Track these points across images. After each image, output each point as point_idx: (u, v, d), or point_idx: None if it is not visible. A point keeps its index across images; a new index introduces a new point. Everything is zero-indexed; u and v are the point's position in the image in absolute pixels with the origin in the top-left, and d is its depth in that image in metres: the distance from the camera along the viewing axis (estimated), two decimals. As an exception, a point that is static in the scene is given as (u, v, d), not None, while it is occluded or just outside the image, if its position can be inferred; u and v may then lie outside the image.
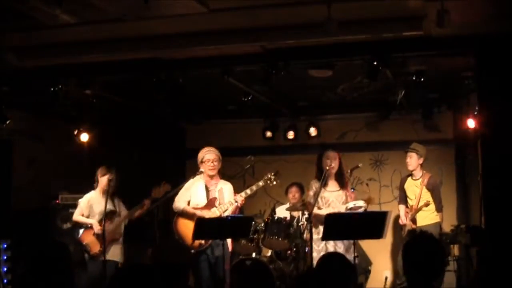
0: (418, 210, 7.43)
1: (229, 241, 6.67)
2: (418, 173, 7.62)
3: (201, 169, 6.73)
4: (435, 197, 7.54)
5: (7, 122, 7.12)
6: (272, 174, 6.98)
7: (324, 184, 6.70)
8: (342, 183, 6.89)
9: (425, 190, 7.49)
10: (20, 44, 6.11)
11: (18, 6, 5.00)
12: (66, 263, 3.21)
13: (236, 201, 6.63)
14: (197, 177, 6.81)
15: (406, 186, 7.72)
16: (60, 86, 6.73)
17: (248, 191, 6.76)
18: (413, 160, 7.59)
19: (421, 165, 7.62)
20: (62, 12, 5.13)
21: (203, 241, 6.52)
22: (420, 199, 7.45)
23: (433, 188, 7.55)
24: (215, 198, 6.71)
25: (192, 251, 6.55)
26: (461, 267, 7.58)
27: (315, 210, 6.62)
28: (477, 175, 6.30)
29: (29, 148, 8.16)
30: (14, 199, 7.65)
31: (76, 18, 5.34)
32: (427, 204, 7.40)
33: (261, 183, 6.87)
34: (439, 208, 7.55)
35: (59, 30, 5.66)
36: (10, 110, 7.25)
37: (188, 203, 6.77)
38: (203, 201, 6.72)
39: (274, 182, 6.99)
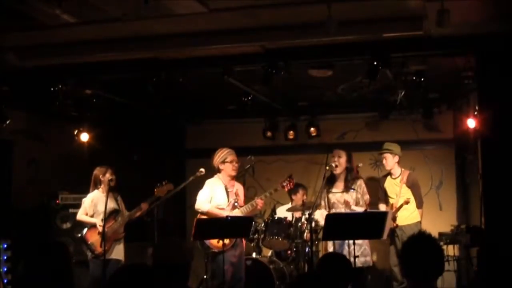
0: (399, 208, 7.43)
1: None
2: (396, 171, 7.61)
3: (202, 169, 6.77)
4: (415, 193, 7.53)
5: (7, 122, 7.11)
6: (287, 179, 7.10)
7: (330, 185, 6.72)
8: (348, 184, 6.85)
9: (405, 187, 7.50)
10: (20, 44, 6.11)
11: (18, 6, 5.00)
12: (66, 263, 3.20)
13: (257, 204, 6.77)
14: (216, 178, 6.85)
15: (386, 185, 7.72)
16: (60, 86, 6.73)
17: (268, 194, 6.94)
18: (389, 160, 7.58)
19: (398, 163, 7.60)
20: (62, 12, 5.13)
21: (227, 241, 6.42)
22: (400, 197, 7.46)
23: (412, 185, 7.55)
24: (236, 199, 6.80)
25: (216, 250, 6.57)
26: (461, 267, 7.58)
27: (318, 217, 6.69)
28: (477, 175, 6.30)
29: (29, 148, 8.15)
30: (14, 199, 7.65)
31: (76, 18, 5.34)
32: (407, 202, 7.39)
33: (279, 188, 7.06)
34: (419, 205, 7.56)
35: (59, 30, 5.65)
36: (10, 110, 7.25)
37: None
38: (224, 202, 6.78)
39: (289, 187, 7.17)
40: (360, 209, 6.81)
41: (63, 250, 3.28)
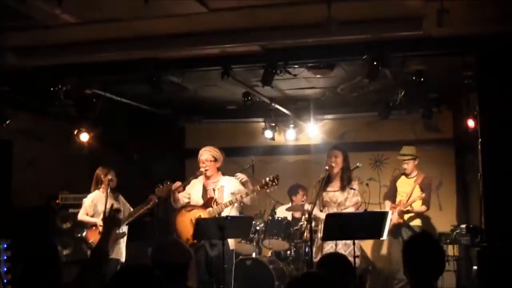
0: (406, 207, 7.62)
1: (231, 240, 6.64)
2: (413, 173, 7.86)
3: (201, 169, 6.74)
4: (426, 195, 7.70)
5: (7, 122, 7.11)
6: (270, 179, 6.56)
7: (325, 184, 6.64)
8: (344, 184, 6.78)
9: (417, 188, 7.68)
10: (20, 44, 6.10)
11: (18, 5, 5.00)
12: (55, 264, 3.21)
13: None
14: (200, 177, 6.82)
15: (398, 183, 7.94)
16: (60, 86, 6.73)
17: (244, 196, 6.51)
18: (410, 166, 7.86)
19: (416, 165, 7.87)
20: (62, 12, 5.13)
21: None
22: (410, 196, 7.64)
23: (425, 188, 7.72)
24: (212, 198, 6.67)
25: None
26: (461, 267, 7.58)
27: (315, 211, 6.57)
28: (477, 175, 6.30)
29: (29, 148, 8.15)
30: (14, 199, 7.65)
31: (76, 18, 5.35)
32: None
33: (258, 188, 6.54)
34: (425, 203, 7.68)
35: (59, 30, 5.66)
36: (10, 110, 7.25)
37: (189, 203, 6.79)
38: (200, 201, 6.71)
39: (272, 189, 6.63)
40: (346, 210, 6.70)
41: (52, 251, 3.28)
